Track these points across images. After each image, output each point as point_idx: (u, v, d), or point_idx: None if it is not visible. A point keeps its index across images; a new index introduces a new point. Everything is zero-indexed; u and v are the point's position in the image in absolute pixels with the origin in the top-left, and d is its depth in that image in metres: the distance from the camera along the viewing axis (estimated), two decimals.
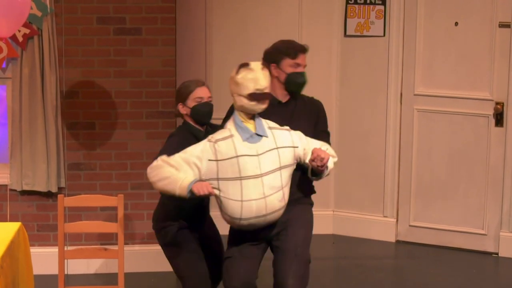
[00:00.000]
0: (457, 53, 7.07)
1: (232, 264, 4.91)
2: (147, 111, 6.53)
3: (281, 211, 4.86)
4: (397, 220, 7.42)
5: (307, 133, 4.97)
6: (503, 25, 6.88)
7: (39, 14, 6.26)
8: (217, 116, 5.21)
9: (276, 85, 5.09)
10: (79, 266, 6.50)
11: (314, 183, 5.21)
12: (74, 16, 6.38)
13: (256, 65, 4.83)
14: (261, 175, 4.73)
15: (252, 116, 4.80)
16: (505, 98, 6.95)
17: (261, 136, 4.77)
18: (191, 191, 4.63)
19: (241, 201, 4.72)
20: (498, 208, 7.06)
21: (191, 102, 5.05)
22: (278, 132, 4.84)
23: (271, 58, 5.12)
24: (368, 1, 7.24)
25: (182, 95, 5.08)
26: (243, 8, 7.34)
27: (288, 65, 5.07)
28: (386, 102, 7.31)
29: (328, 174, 4.95)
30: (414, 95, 7.25)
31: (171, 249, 5.17)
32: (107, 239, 6.48)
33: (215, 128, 5.08)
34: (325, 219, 7.49)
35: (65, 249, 5.43)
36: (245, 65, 4.80)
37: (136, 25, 6.43)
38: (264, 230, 4.89)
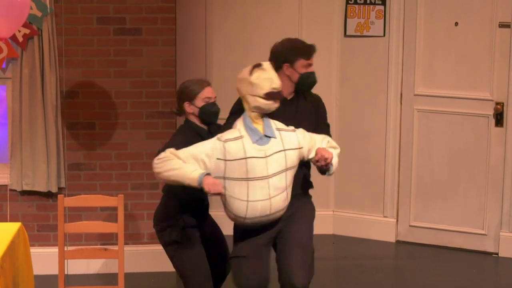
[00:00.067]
0: (457, 53, 7.07)
1: (247, 263, 4.94)
2: (147, 111, 6.53)
3: (284, 210, 4.92)
4: (397, 220, 7.42)
5: (309, 128, 5.04)
6: (503, 25, 6.88)
7: (39, 14, 6.26)
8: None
9: (285, 83, 5.11)
10: (79, 266, 6.50)
11: (314, 180, 5.30)
12: (74, 16, 6.38)
13: (268, 65, 4.89)
14: (267, 177, 4.79)
15: (261, 116, 4.85)
16: (505, 98, 6.95)
17: (269, 137, 4.82)
18: (201, 184, 4.66)
19: (247, 201, 4.78)
20: (498, 208, 7.06)
21: (199, 102, 5.08)
22: (285, 134, 4.88)
23: (284, 58, 5.14)
24: (368, 1, 7.24)
25: (189, 94, 5.09)
26: (243, 8, 7.34)
27: (301, 66, 5.13)
28: (386, 102, 7.31)
29: (335, 169, 5.03)
30: (414, 95, 7.25)
31: (174, 248, 5.17)
32: (107, 239, 6.48)
33: (217, 127, 5.12)
34: (325, 219, 7.49)
35: (65, 249, 5.43)
36: (258, 65, 4.83)
37: (136, 25, 6.43)
38: (268, 226, 4.95)
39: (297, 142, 4.90)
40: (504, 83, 6.94)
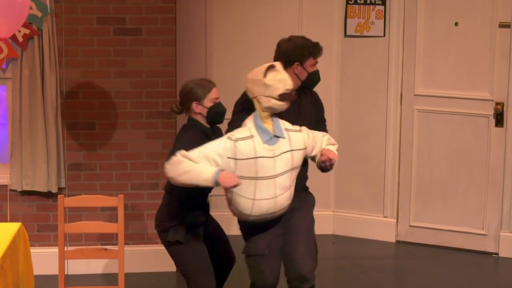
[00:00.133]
0: (457, 53, 7.07)
1: (264, 261, 5.02)
2: (147, 111, 6.53)
3: (287, 208, 5.00)
4: (397, 220, 7.42)
5: (310, 125, 5.14)
6: (503, 25, 6.88)
7: (39, 14, 6.26)
8: None
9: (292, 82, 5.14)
10: (79, 266, 6.50)
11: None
12: (74, 16, 6.38)
13: (280, 66, 4.93)
14: (274, 176, 4.85)
15: (270, 116, 4.90)
16: (505, 98, 6.95)
17: (278, 137, 4.87)
18: (216, 183, 4.71)
19: (253, 199, 4.84)
20: (498, 208, 7.06)
21: (208, 102, 5.10)
22: (292, 134, 4.94)
23: (295, 56, 5.20)
24: (368, 1, 7.24)
25: (197, 95, 5.10)
26: (243, 8, 7.34)
27: (310, 64, 5.23)
28: (386, 102, 7.31)
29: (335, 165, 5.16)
30: (414, 95, 7.25)
31: (177, 247, 5.18)
32: (107, 239, 6.48)
33: (219, 128, 5.20)
34: (325, 219, 7.49)
35: (65, 249, 5.42)
36: (271, 67, 4.87)
37: (136, 25, 6.43)
38: (274, 220, 5.03)
39: (302, 142, 4.97)
40: (504, 83, 6.94)
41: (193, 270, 5.17)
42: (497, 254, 7.10)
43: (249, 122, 4.90)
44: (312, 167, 5.22)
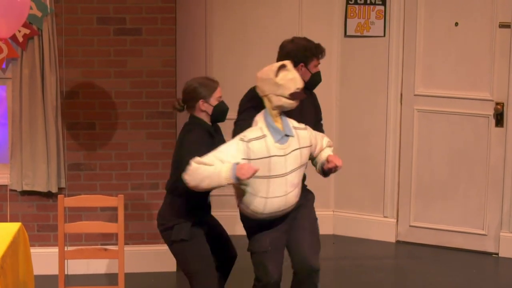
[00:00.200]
0: (457, 53, 7.07)
1: (268, 258, 5.10)
2: (147, 112, 6.53)
3: (295, 205, 5.10)
4: (397, 220, 7.42)
5: (311, 124, 5.22)
6: (503, 25, 6.88)
7: (39, 14, 6.26)
8: None
9: None
10: (79, 266, 6.50)
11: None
12: (74, 16, 6.38)
13: (291, 65, 4.98)
14: (285, 174, 4.92)
15: (279, 114, 4.96)
16: (505, 98, 6.95)
17: (288, 136, 4.94)
18: (237, 178, 4.75)
19: (266, 198, 4.91)
20: (498, 208, 7.06)
21: (214, 101, 5.15)
22: (300, 132, 5.02)
23: (300, 58, 5.27)
24: (368, 2, 7.24)
25: (205, 93, 5.15)
26: (243, 8, 7.34)
27: (314, 65, 5.32)
28: (386, 102, 7.31)
29: None
30: (414, 95, 7.25)
31: (180, 246, 5.19)
32: (107, 239, 6.48)
33: (217, 125, 5.26)
34: (325, 219, 7.49)
35: (65, 249, 5.42)
36: (283, 66, 4.92)
37: (136, 25, 6.43)
38: (279, 219, 5.09)
39: (309, 140, 5.06)
40: (504, 83, 6.94)
41: (196, 269, 5.18)
42: (497, 254, 7.10)
43: (260, 121, 4.95)
44: (310, 167, 5.23)
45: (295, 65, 5.18)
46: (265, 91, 4.93)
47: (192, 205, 5.17)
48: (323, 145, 5.20)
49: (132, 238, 6.59)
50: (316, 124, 5.38)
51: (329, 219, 7.54)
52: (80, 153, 6.53)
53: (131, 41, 6.45)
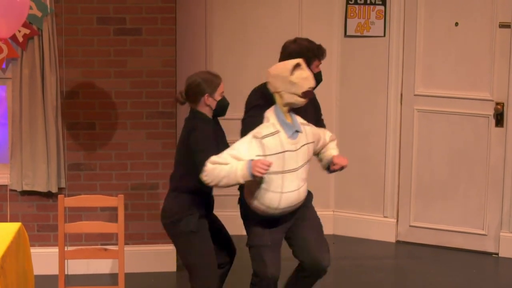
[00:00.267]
0: (457, 53, 7.07)
1: (268, 252, 5.15)
2: (147, 112, 6.53)
3: (303, 201, 5.19)
4: (397, 221, 7.42)
5: (312, 122, 5.30)
6: (503, 25, 6.88)
7: (39, 14, 6.26)
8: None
9: None
10: (79, 266, 6.50)
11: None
12: (74, 16, 6.38)
13: (304, 64, 5.05)
14: (297, 169, 5.02)
15: (288, 111, 5.04)
16: (505, 98, 6.95)
17: (297, 132, 5.03)
18: (253, 175, 4.82)
19: (281, 193, 4.98)
20: (498, 208, 7.06)
21: (218, 95, 5.22)
22: (306, 128, 5.12)
23: (304, 58, 5.28)
24: (368, 2, 7.24)
25: (211, 87, 5.20)
26: (243, 8, 7.34)
27: (315, 66, 5.40)
28: (386, 102, 7.31)
29: None
30: (414, 95, 7.25)
31: (187, 238, 5.22)
32: (107, 239, 6.48)
33: (217, 119, 5.33)
34: (325, 219, 7.46)
35: (65, 249, 5.42)
36: (298, 65, 4.99)
37: (136, 25, 6.43)
38: (285, 217, 5.17)
39: (313, 136, 5.16)
40: (504, 83, 6.94)
41: (199, 262, 5.22)
42: (497, 254, 7.10)
43: (271, 117, 5.01)
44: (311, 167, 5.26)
45: None
46: (278, 88, 4.99)
47: (198, 199, 5.22)
48: (326, 139, 5.29)
49: (132, 238, 6.59)
50: (317, 121, 5.46)
51: (329, 219, 7.54)
52: (80, 153, 6.53)
53: (131, 41, 6.45)
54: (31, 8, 6.12)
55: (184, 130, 5.25)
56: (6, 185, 6.50)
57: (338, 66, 7.43)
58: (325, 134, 5.31)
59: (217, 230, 5.42)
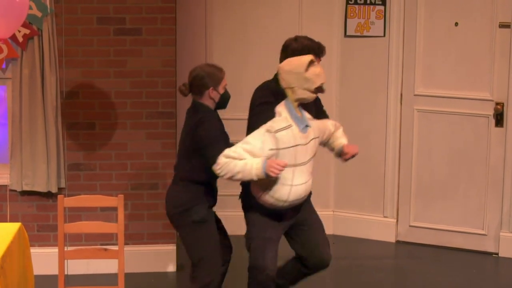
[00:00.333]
0: (457, 53, 7.07)
1: (268, 246, 5.21)
2: (147, 112, 6.52)
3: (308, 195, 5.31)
4: (397, 220, 7.42)
5: (313, 113, 5.37)
6: (503, 25, 6.88)
7: (39, 14, 6.25)
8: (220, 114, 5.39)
9: None
10: (79, 266, 6.50)
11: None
12: (74, 17, 6.38)
13: (315, 60, 5.14)
14: (306, 162, 5.12)
15: (298, 105, 5.12)
16: (505, 98, 6.95)
17: (307, 126, 5.12)
18: (267, 175, 4.91)
19: (291, 185, 5.07)
20: (498, 208, 7.06)
21: (221, 88, 5.30)
22: (313, 123, 5.20)
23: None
24: (368, 2, 7.24)
25: (216, 80, 5.27)
26: (243, 8, 7.34)
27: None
28: (386, 102, 7.31)
29: None
30: (414, 95, 7.25)
31: (196, 227, 5.27)
32: (107, 239, 6.48)
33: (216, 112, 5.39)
34: (325, 219, 7.44)
35: (65, 249, 5.42)
36: (312, 62, 5.06)
37: (136, 25, 6.43)
38: (289, 213, 5.25)
39: (318, 130, 5.25)
40: (504, 83, 6.94)
41: (205, 253, 5.27)
42: (497, 254, 7.10)
43: (283, 111, 5.08)
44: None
45: None
46: (292, 84, 5.05)
47: (206, 190, 5.29)
48: (331, 129, 5.39)
49: (132, 238, 6.59)
50: (318, 113, 5.51)
51: (329, 219, 7.54)
52: (80, 153, 6.53)
53: (131, 41, 6.45)
54: (31, 8, 6.12)
55: (189, 121, 5.28)
56: (6, 185, 6.50)
57: (338, 66, 7.43)
58: (329, 124, 5.40)
59: (219, 228, 5.45)
